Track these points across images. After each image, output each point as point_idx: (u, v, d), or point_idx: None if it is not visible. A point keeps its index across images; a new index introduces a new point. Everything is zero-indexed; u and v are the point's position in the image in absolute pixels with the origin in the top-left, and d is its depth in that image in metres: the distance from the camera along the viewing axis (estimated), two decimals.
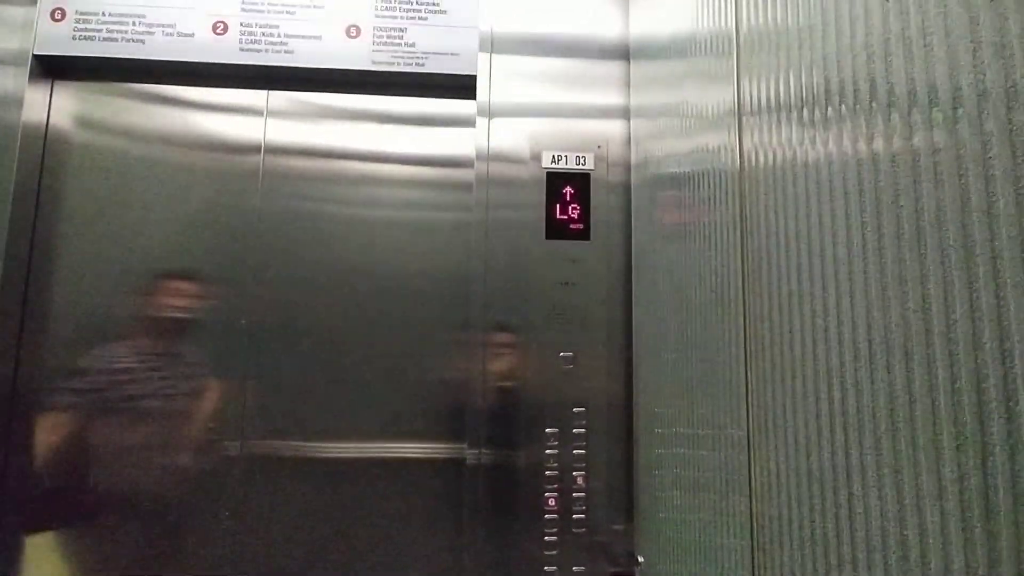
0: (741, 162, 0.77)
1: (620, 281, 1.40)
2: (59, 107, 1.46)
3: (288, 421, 1.42)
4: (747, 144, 0.76)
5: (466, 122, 1.50)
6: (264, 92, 1.50)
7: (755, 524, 0.70)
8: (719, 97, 0.86)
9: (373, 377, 1.44)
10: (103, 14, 1.43)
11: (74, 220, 1.44)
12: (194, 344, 1.43)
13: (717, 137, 0.87)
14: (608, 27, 1.50)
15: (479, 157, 1.42)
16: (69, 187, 1.45)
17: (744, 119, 0.77)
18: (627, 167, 1.44)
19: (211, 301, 1.44)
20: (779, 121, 0.69)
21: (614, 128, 1.46)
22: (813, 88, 0.62)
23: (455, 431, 1.42)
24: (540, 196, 1.41)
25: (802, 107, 0.65)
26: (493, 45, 1.45)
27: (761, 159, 0.72)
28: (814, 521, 0.59)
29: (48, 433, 1.39)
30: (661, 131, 1.20)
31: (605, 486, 1.34)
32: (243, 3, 1.44)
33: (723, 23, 0.86)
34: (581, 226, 1.41)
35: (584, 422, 1.35)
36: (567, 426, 1.35)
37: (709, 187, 0.89)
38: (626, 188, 1.43)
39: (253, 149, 1.48)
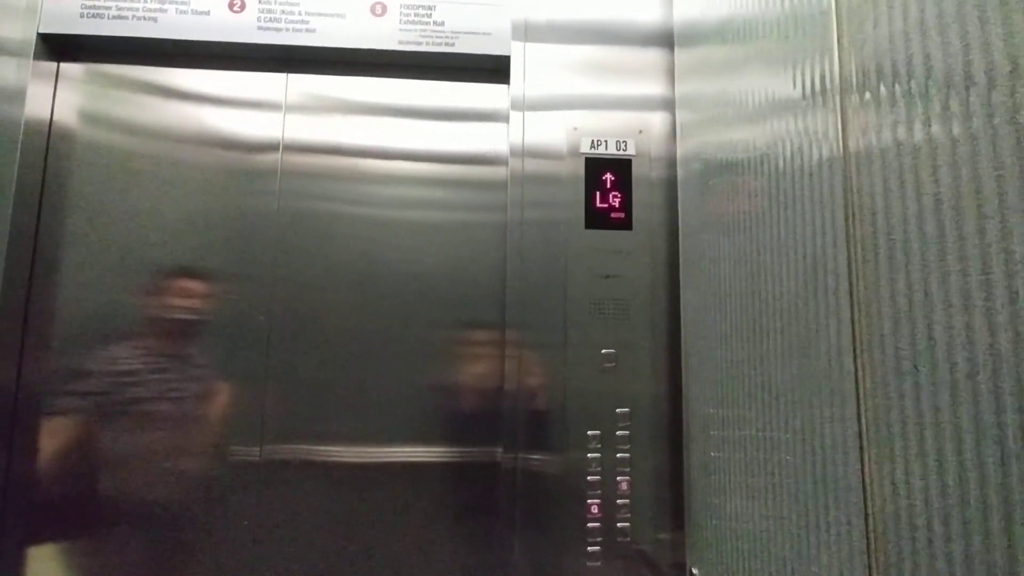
0: (844, 144, 0.68)
1: (664, 273, 1.32)
2: (64, 95, 1.37)
3: (310, 425, 1.33)
4: (853, 124, 0.67)
5: (497, 116, 1.42)
6: (283, 77, 1.41)
7: (873, 538, 0.61)
8: (807, 76, 0.78)
9: (400, 379, 1.35)
10: None
11: (80, 216, 1.35)
12: (210, 345, 1.34)
13: (804, 120, 0.78)
14: (649, 12, 1.41)
15: (513, 153, 1.34)
16: (75, 180, 1.35)
17: (847, 97, 0.69)
18: (670, 153, 1.36)
19: (227, 301, 1.35)
20: (894, 97, 0.61)
21: (656, 114, 1.37)
22: (939, 60, 0.53)
23: (489, 435, 1.34)
24: (578, 186, 1.33)
25: (927, 80, 0.56)
26: (527, 33, 1.37)
27: (874, 139, 0.64)
28: (955, 536, 0.51)
29: (55, 439, 1.30)
30: (717, 117, 1.12)
31: (651, 492, 1.26)
32: None
33: None
34: (623, 215, 1.32)
35: (628, 424, 1.27)
36: (610, 428, 1.27)
37: (793, 173, 0.81)
38: (670, 175, 1.34)
39: (271, 146, 1.39)
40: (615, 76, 1.38)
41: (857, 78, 0.67)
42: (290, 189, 1.38)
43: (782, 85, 0.84)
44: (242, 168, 1.38)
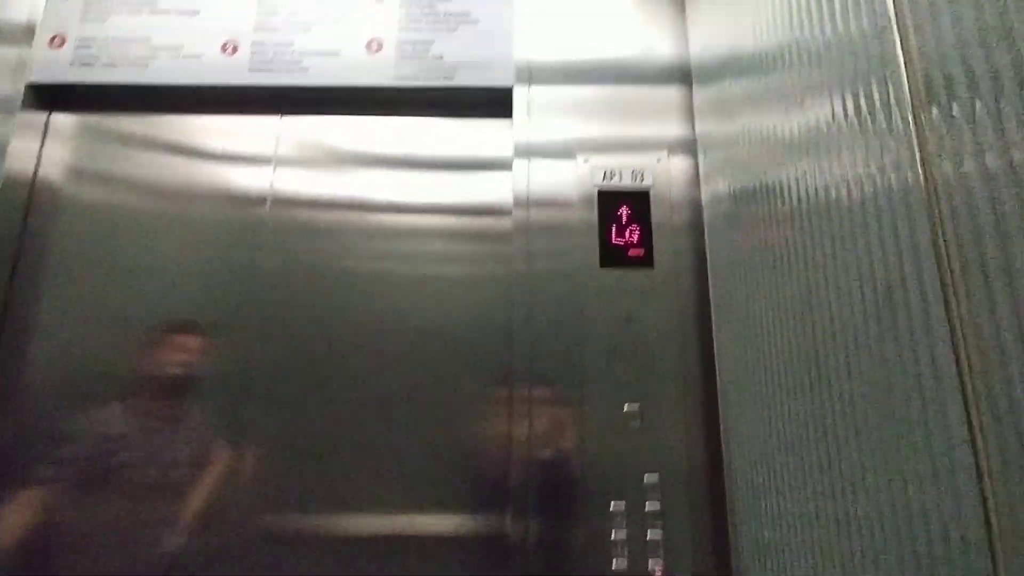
0: (924, 165, 0.54)
1: (693, 314, 1.15)
2: (52, 148, 1.31)
3: (302, 492, 1.16)
4: (931, 143, 0.53)
5: (499, 164, 1.31)
6: (275, 121, 1.33)
7: None
8: (866, 98, 0.64)
9: (396, 443, 1.19)
10: (105, 39, 1.31)
11: (61, 270, 1.26)
12: (194, 406, 1.21)
13: (865, 144, 0.64)
14: (661, 49, 1.31)
15: (517, 203, 1.21)
16: (57, 234, 1.28)
17: (922, 115, 0.55)
18: (692, 183, 1.22)
19: (215, 359, 1.23)
20: (974, 110, 0.47)
21: (674, 143, 1.25)
22: None
23: (495, 505, 1.15)
24: (591, 221, 1.19)
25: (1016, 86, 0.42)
26: (531, 76, 1.28)
27: (964, 156, 0.49)
28: None
29: (26, 510, 1.16)
30: (748, 148, 0.98)
31: None
32: (256, 21, 1.31)
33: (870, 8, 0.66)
34: (642, 251, 1.17)
35: (659, 495, 1.07)
36: (637, 500, 1.07)
37: (854, 201, 0.66)
38: (694, 207, 1.20)
39: (261, 198, 1.30)
40: (627, 115, 1.26)
41: (931, 93, 0.54)
42: (281, 242, 1.27)
43: (829, 111, 0.71)
44: (234, 221, 1.28)
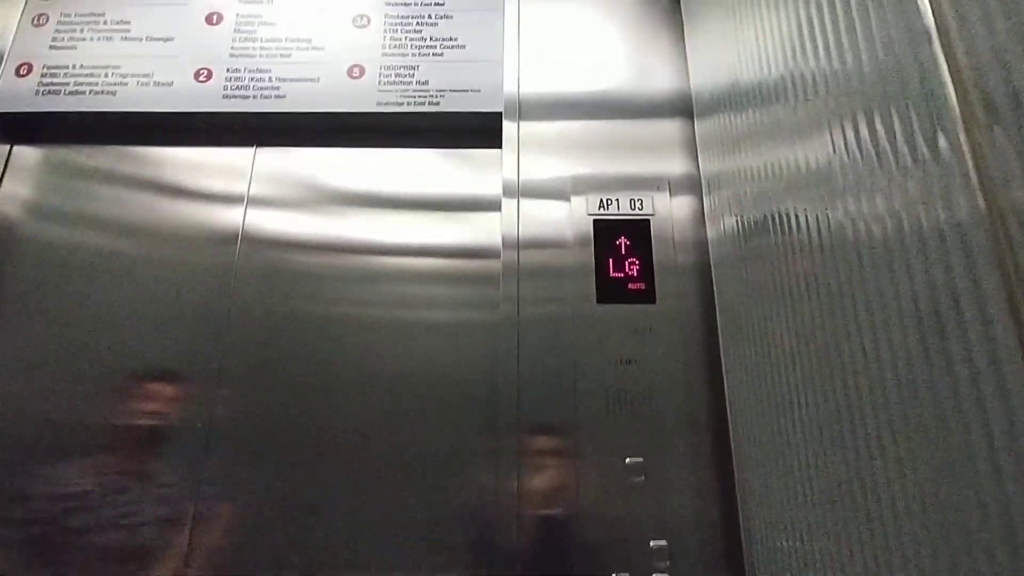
0: (984, 187, 0.44)
1: (700, 355, 1.03)
2: (10, 183, 1.23)
3: (272, 551, 1.03)
4: (991, 162, 0.44)
5: (487, 204, 1.22)
6: (248, 159, 1.25)
7: None
8: (903, 121, 0.55)
9: (376, 498, 1.06)
10: (74, 67, 1.24)
11: (15, 313, 1.16)
12: (160, 461, 1.09)
13: (907, 167, 0.55)
14: (660, 81, 1.23)
15: (507, 245, 1.11)
16: (12, 274, 1.19)
17: (976, 134, 0.46)
18: (695, 214, 1.12)
19: (181, 410, 1.12)
20: None
21: (675, 169, 1.16)
22: None
23: (480, 572, 1.01)
24: (587, 253, 1.09)
25: None
26: (521, 109, 1.20)
27: None
28: None
29: None
30: (761, 178, 0.89)
31: None
32: (232, 48, 1.25)
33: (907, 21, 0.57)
34: (642, 285, 1.07)
35: (667, 563, 0.93)
36: (643, 569, 0.93)
37: (888, 235, 0.56)
38: (698, 237, 1.10)
39: (232, 237, 1.21)
40: (625, 149, 1.18)
41: (989, 111, 0.45)
42: (254, 285, 1.17)
43: (853, 138, 0.62)
44: (204, 262, 1.19)
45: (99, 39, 1.27)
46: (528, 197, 1.14)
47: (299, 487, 1.06)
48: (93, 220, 1.22)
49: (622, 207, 1.12)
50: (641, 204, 1.12)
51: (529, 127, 1.19)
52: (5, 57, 1.25)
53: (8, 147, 1.26)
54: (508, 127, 1.19)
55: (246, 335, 1.14)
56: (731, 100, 0.97)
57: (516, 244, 1.11)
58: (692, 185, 1.14)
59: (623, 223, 1.11)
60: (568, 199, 1.13)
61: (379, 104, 1.20)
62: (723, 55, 1.01)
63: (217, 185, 1.24)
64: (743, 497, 0.91)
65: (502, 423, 1.02)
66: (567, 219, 1.12)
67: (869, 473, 0.57)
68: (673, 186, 1.14)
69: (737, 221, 0.94)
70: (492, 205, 1.20)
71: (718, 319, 1.01)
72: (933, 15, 0.51)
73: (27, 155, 1.26)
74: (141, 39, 1.26)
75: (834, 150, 0.66)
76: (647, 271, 1.07)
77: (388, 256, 1.19)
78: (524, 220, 1.12)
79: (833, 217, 0.65)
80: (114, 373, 1.13)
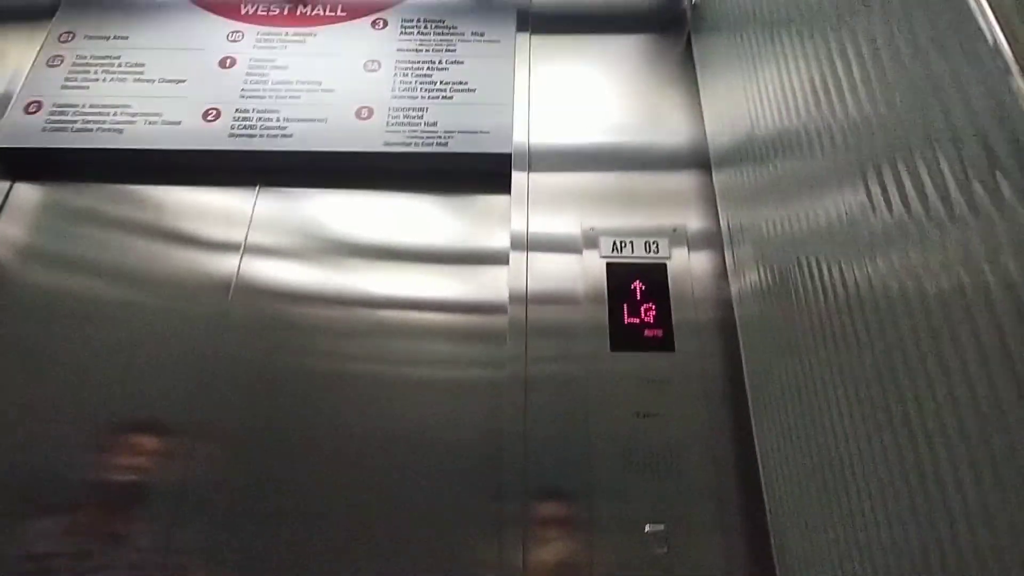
0: None
1: (725, 408, 0.94)
2: (6, 224, 1.20)
3: None
4: None
5: (496, 258, 1.15)
6: (249, 202, 1.21)
7: None
8: (947, 166, 0.49)
9: (372, 566, 0.94)
10: (84, 105, 1.24)
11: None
12: (142, 520, 0.99)
13: (954, 227, 0.49)
14: (675, 132, 1.20)
15: (514, 300, 1.04)
16: None
17: None
18: (713, 260, 1.06)
19: (167, 466, 1.03)
20: None
21: (692, 210, 1.11)
22: None
23: None
24: (600, 298, 1.02)
25: None
26: (531, 160, 1.17)
27: None
28: None
29: None
30: (784, 230, 0.84)
31: None
32: (243, 90, 1.24)
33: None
34: (660, 332, 0.99)
35: None
36: None
37: (950, 287, 0.50)
38: (718, 281, 1.03)
39: (224, 287, 1.16)
40: (639, 201, 1.13)
41: None
42: (248, 336, 1.11)
43: (894, 189, 0.57)
44: (197, 311, 1.12)
45: (112, 80, 1.27)
46: (537, 250, 1.08)
47: (284, 555, 0.95)
48: (84, 264, 1.18)
49: (636, 250, 1.06)
50: (657, 247, 1.06)
51: (539, 178, 1.15)
52: (16, 95, 1.25)
53: (9, 184, 1.23)
54: (517, 178, 1.15)
55: (234, 388, 1.07)
56: (752, 150, 0.93)
57: (524, 299, 1.04)
58: (710, 237, 1.08)
59: (638, 267, 1.04)
60: (580, 251, 1.07)
61: (386, 144, 1.18)
62: (741, 105, 0.97)
63: (215, 230, 1.19)
64: (783, 569, 0.79)
65: (507, 489, 0.92)
66: (579, 270, 1.05)
67: (947, 534, 0.47)
68: (691, 237, 1.07)
69: (764, 273, 0.87)
70: (499, 258, 1.14)
71: (745, 370, 0.92)
72: (1013, 54, 0.45)
73: (26, 193, 1.23)
74: (154, 81, 1.26)
75: (870, 200, 0.60)
76: (664, 317, 1.00)
77: (388, 309, 1.12)
78: (533, 274, 1.06)
79: (872, 269, 0.59)
80: (92, 423, 1.05)
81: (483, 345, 1.08)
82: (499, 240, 1.15)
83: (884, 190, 0.58)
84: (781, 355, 0.82)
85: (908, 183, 0.54)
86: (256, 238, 1.19)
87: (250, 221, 1.20)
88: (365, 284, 1.15)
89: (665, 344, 0.98)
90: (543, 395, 0.97)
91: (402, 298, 1.13)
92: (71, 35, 1.33)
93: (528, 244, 1.08)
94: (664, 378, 0.96)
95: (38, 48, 1.31)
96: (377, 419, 1.03)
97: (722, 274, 1.04)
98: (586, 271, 1.05)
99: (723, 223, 1.04)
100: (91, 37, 1.32)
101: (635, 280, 1.03)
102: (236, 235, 1.18)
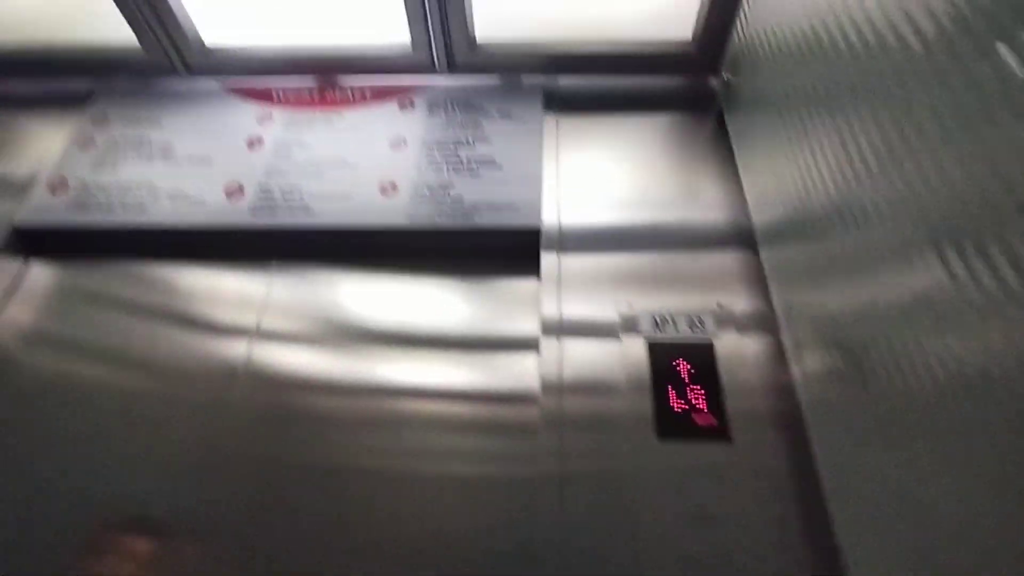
0: None
1: (795, 506, 0.81)
2: (16, 306, 1.16)
3: None
4: None
5: (526, 343, 1.05)
6: (264, 282, 1.16)
7: None
8: None
9: None
10: (109, 185, 1.23)
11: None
12: None
13: None
14: (717, 209, 1.14)
15: (547, 390, 0.94)
16: None
17: None
18: (769, 348, 0.96)
19: (169, 570, 0.91)
20: None
21: (739, 283, 1.03)
22: None
23: None
24: (642, 383, 0.93)
25: None
26: (562, 241, 1.11)
27: None
28: None
29: None
30: (854, 310, 0.77)
31: None
32: (268, 168, 1.23)
33: None
34: (713, 420, 0.88)
35: None
36: None
37: None
38: (772, 372, 0.93)
39: (231, 374, 1.09)
40: (678, 282, 1.05)
41: None
42: (252, 427, 1.02)
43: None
44: (202, 400, 1.04)
45: (142, 160, 1.27)
46: (571, 335, 0.99)
47: None
48: (89, 347, 1.12)
49: (680, 329, 0.97)
50: (702, 324, 0.97)
51: (570, 258, 1.09)
52: (42, 176, 1.25)
53: (25, 264, 1.20)
54: (547, 258, 1.08)
55: (237, 484, 0.96)
56: (805, 226, 0.86)
57: (558, 388, 0.94)
58: (758, 317, 0.98)
59: (683, 347, 0.95)
60: (616, 334, 0.98)
61: (410, 218, 1.14)
62: (788, 181, 0.92)
63: (227, 312, 1.13)
64: None
65: None
66: (616, 354, 0.96)
67: None
68: (738, 317, 0.99)
69: (830, 356, 0.78)
70: (528, 344, 1.05)
71: (818, 464, 0.80)
72: None
73: (42, 274, 1.20)
74: (181, 161, 1.26)
75: (949, 274, 0.53)
76: (717, 402, 0.89)
77: (407, 399, 1.03)
78: (567, 360, 0.96)
79: (957, 349, 0.50)
80: (83, 522, 0.95)
81: (513, 439, 0.97)
82: (528, 325, 1.07)
83: (948, 264, 0.51)
84: (862, 446, 0.70)
85: (976, 258, 0.48)
86: (269, 321, 1.12)
87: (264, 303, 1.14)
88: (383, 372, 1.06)
89: (720, 433, 0.86)
90: (583, 495, 0.85)
91: (423, 387, 1.04)
92: (105, 119, 1.35)
93: (561, 328, 1.00)
94: (722, 472, 0.84)
95: (71, 132, 1.33)
96: (394, 520, 0.91)
97: (775, 356, 0.94)
98: (625, 354, 0.95)
99: (776, 302, 0.95)
100: (124, 121, 1.34)
101: (678, 360, 0.93)
102: (248, 318, 1.12)
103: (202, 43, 1.33)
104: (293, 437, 1.00)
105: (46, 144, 1.32)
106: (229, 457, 0.98)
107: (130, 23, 1.27)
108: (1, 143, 1.35)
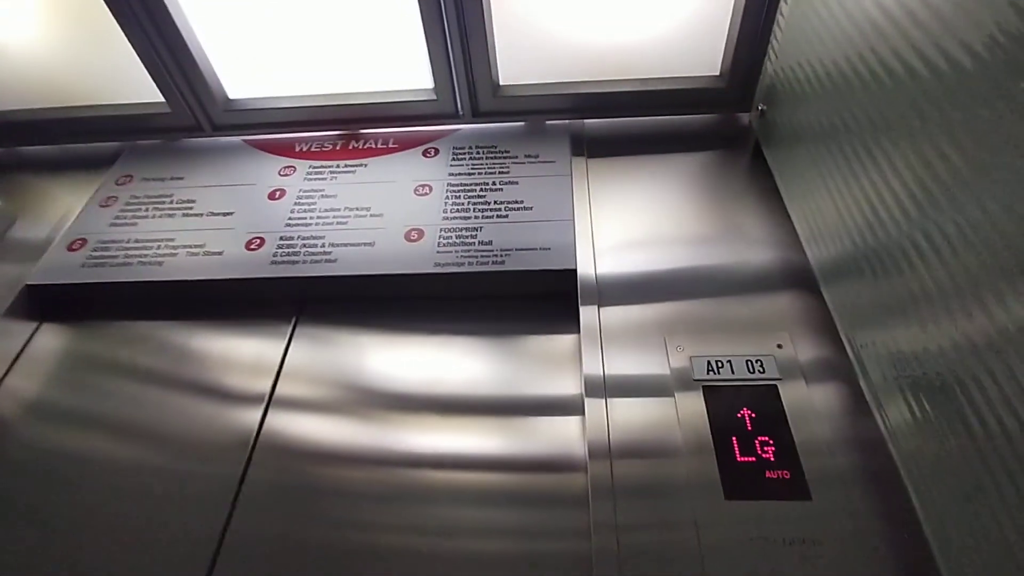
0: None
1: (894, 565, 0.68)
2: (17, 376, 1.10)
3: None
4: None
5: (569, 406, 0.96)
6: (283, 341, 1.10)
7: None
8: None
9: None
10: (128, 241, 1.20)
11: None
12: None
13: None
14: (761, 248, 1.06)
15: (594, 455, 0.84)
16: None
17: None
18: (834, 379, 0.86)
19: None
20: None
21: (798, 322, 0.94)
22: None
23: None
24: (701, 434, 0.82)
25: None
26: (600, 292, 1.03)
27: None
28: None
29: None
30: (941, 350, 0.68)
31: None
32: (289, 219, 1.20)
33: None
34: (787, 473, 0.77)
35: None
36: None
37: None
38: (851, 423, 0.83)
39: (244, 444, 1.02)
40: (732, 331, 0.95)
41: None
42: (263, 502, 0.93)
43: None
44: (211, 475, 0.96)
45: (161, 216, 1.24)
46: (617, 394, 0.90)
47: None
48: (94, 417, 1.04)
49: (737, 370, 0.87)
50: (763, 367, 0.87)
51: (610, 309, 1.01)
52: (61, 235, 1.23)
53: (36, 325, 1.16)
54: (586, 312, 1.00)
55: (253, 567, 0.86)
56: (870, 261, 0.78)
57: (607, 453, 0.84)
58: (824, 361, 0.89)
59: (744, 389, 0.85)
60: (667, 386, 0.89)
61: (436, 265, 1.08)
62: (844, 212, 0.85)
63: (241, 378, 1.06)
64: None
65: None
66: (670, 409, 0.86)
67: None
68: (802, 361, 0.89)
69: (918, 401, 0.68)
70: (571, 406, 0.96)
71: (923, 523, 0.68)
72: None
73: (51, 335, 1.15)
74: (203, 215, 1.23)
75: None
76: (790, 455, 0.78)
77: (437, 470, 0.92)
78: (615, 421, 0.87)
79: None
80: None
81: (558, 511, 0.86)
82: (569, 385, 0.98)
83: None
84: (971, 501, 0.59)
85: None
86: (286, 386, 1.04)
87: (281, 365, 1.07)
88: (410, 440, 0.96)
89: (798, 490, 0.75)
90: (640, 562, 0.73)
91: (455, 456, 0.93)
92: (129, 178, 1.34)
93: (606, 387, 0.91)
94: (803, 536, 0.72)
95: (92, 191, 1.32)
96: None
97: (851, 405, 0.84)
98: (680, 407, 0.86)
99: (848, 344, 0.85)
100: (147, 179, 1.33)
101: (742, 409, 0.83)
102: (265, 383, 1.05)
103: (227, 98, 1.33)
104: (312, 514, 0.90)
105: (69, 205, 1.31)
106: (243, 537, 0.88)
107: (157, 83, 1.27)
108: (26, 206, 1.35)
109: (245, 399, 1.03)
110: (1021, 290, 0.51)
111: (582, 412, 0.91)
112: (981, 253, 0.56)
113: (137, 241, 1.20)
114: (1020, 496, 0.52)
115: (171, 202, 1.27)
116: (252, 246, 1.15)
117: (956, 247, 0.60)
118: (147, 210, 1.26)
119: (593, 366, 0.93)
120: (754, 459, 0.78)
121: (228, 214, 1.23)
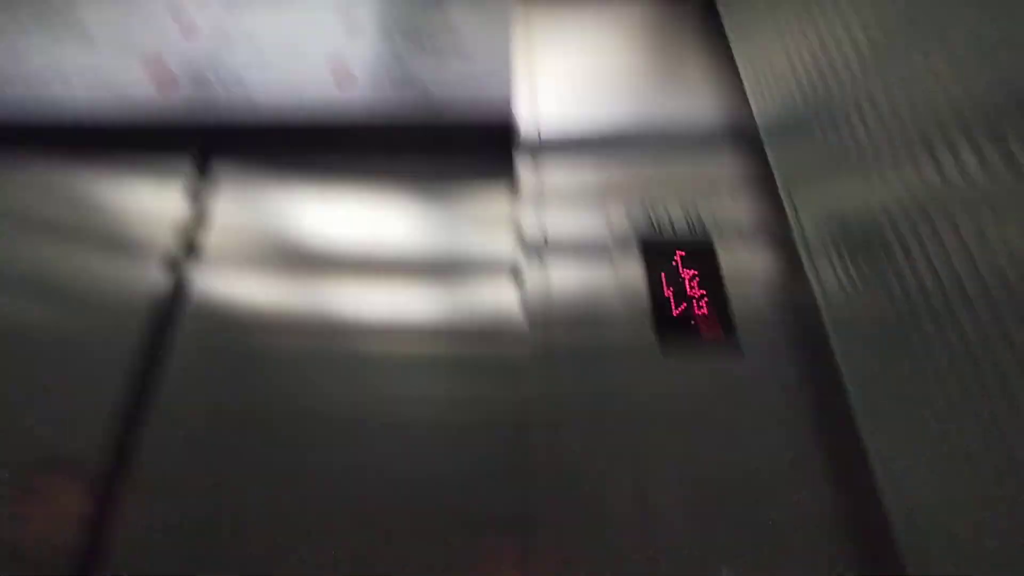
0: None
1: (816, 423, 0.70)
2: None
3: None
4: None
5: (501, 268, 0.92)
6: (192, 201, 0.99)
7: None
8: None
9: None
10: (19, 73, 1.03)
11: None
12: None
13: None
14: (705, 106, 1.00)
15: (532, 320, 0.80)
16: None
17: None
18: (777, 235, 0.84)
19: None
20: None
21: (740, 207, 0.90)
22: None
23: None
24: (636, 292, 0.80)
25: None
26: (538, 151, 0.95)
27: None
28: None
29: None
30: (872, 204, 0.65)
31: None
32: (204, 55, 1.05)
33: None
34: (719, 329, 0.76)
35: None
36: None
37: None
38: (785, 268, 0.81)
39: (163, 306, 0.92)
40: (673, 188, 0.90)
41: None
42: (190, 371, 0.87)
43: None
44: (124, 336, 0.88)
45: (49, 41, 1.07)
46: (556, 256, 0.85)
47: None
48: None
49: (678, 230, 0.84)
50: (703, 225, 0.84)
51: (550, 166, 0.93)
52: None
53: None
54: (526, 169, 0.93)
55: (176, 434, 0.81)
56: (814, 119, 0.73)
57: (544, 319, 0.80)
58: (766, 226, 0.86)
59: (681, 245, 0.82)
60: (610, 251, 0.84)
61: (370, 115, 0.97)
62: (794, 67, 0.79)
63: (146, 230, 0.96)
64: None
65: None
66: (609, 271, 0.83)
67: None
68: (744, 224, 0.86)
69: (848, 258, 0.66)
70: (506, 265, 0.92)
71: (845, 377, 0.67)
72: None
73: None
74: (98, 42, 1.06)
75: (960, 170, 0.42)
76: (721, 310, 0.77)
77: (373, 337, 0.88)
78: (554, 283, 0.83)
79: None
80: None
81: (494, 376, 0.84)
82: (504, 243, 0.93)
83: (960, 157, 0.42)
84: (888, 359, 0.60)
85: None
86: (208, 239, 0.95)
87: (200, 218, 0.97)
88: (343, 303, 0.90)
89: (728, 342, 0.75)
90: (580, 435, 0.72)
91: (391, 322, 0.89)
92: None
93: (545, 244, 0.86)
94: (734, 385, 0.73)
95: None
96: (361, 475, 0.78)
97: (787, 263, 0.82)
98: (617, 265, 0.82)
99: (787, 202, 0.81)
100: None
101: (677, 258, 0.81)
102: (181, 237, 0.95)
103: None
104: (240, 382, 0.85)
105: None
106: (165, 403, 0.83)
107: None
108: None
109: (164, 254, 0.94)
110: (959, 150, 0.48)
111: (520, 271, 0.87)
112: (924, 109, 0.54)
113: (28, 71, 1.03)
114: (929, 355, 0.52)
115: (58, 25, 1.09)
116: (164, 85, 1.01)
117: (899, 101, 0.57)
118: (29, 32, 1.08)
119: (531, 226, 0.88)
120: (690, 316, 0.77)
121: (130, 45, 1.06)
